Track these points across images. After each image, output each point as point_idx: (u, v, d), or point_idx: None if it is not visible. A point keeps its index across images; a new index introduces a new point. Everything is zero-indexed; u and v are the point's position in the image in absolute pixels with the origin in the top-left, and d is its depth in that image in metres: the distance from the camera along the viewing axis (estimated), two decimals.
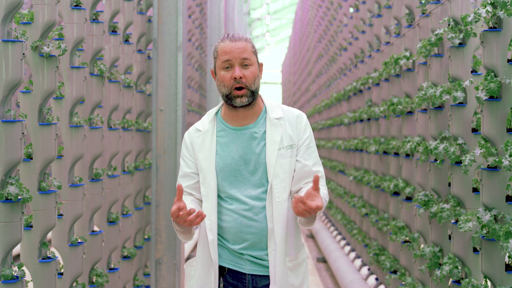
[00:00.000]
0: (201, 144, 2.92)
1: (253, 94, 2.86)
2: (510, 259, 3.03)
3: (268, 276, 2.87)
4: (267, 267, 2.87)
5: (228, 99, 2.87)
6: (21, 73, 3.10)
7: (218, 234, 2.90)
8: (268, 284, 2.87)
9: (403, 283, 4.81)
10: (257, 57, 2.92)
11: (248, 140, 2.89)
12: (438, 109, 3.94)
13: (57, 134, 3.63)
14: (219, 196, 2.90)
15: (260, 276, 2.88)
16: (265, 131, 2.90)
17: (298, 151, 2.91)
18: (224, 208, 2.89)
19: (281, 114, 2.93)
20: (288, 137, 2.89)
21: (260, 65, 2.94)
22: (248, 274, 2.87)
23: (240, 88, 2.84)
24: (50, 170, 4.07)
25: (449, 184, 3.84)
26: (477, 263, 3.48)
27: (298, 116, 2.95)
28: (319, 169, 2.92)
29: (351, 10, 8.27)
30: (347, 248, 7.91)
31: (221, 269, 2.89)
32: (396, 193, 5.24)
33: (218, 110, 3.00)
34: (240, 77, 2.82)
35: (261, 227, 2.86)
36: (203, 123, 2.97)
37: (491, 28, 3.11)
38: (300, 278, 2.92)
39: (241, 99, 2.84)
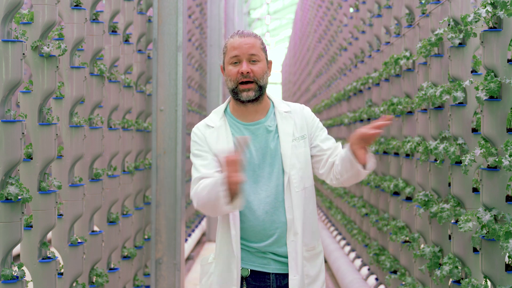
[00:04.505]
0: (217, 140, 2.90)
1: (261, 89, 2.88)
2: (510, 259, 3.03)
3: None
4: None
5: (235, 94, 2.88)
6: (21, 73, 3.10)
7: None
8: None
9: (403, 283, 4.81)
10: (266, 54, 2.93)
11: (264, 134, 2.91)
12: (438, 109, 3.94)
13: (57, 134, 3.63)
14: None
15: (283, 274, 2.87)
16: (276, 124, 2.93)
17: (315, 137, 2.97)
18: (245, 206, 2.85)
19: (288, 108, 2.98)
20: (299, 129, 2.94)
21: (269, 63, 2.96)
22: (272, 274, 2.86)
23: (247, 82, 2.84)
24: (50, 170, 4.07)
25: (449, 184, 3.84)
26: (477, 263, 3.48)
27: (303, 108, 3.02)
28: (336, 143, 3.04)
29: (351, 10, 8.27)
30: (347, 248, 7.91)
31: (245, 271, 2.87)
32: (396, 193, 5.24)
33: (226, 107, 2.99)
34: (248, 72, 2.83)
35: (283, 220, 2.85)
36: (213, 120, 2.95)
37: (491, 28, 3.11)
38: (317, 269, 2.92)
39: (248, 93, 2.86)
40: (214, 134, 2.91)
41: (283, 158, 2.86)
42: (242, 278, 2.87)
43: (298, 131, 2.93)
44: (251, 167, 2.87)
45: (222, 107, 2.99)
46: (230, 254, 2.85)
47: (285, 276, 2.87)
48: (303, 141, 2.93)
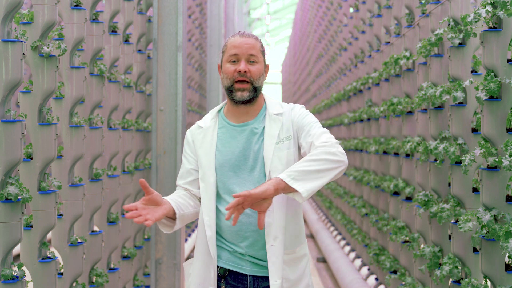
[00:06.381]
0: (202, 141, 2.94)
1: (256, 91, 2.88)
2: (510, 259, 3.03)
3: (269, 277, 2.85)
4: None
5: (229, 92, 2.89)
6: (21, 73, 3.10)
7: (217, 233, 2.88)
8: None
9: (403, 283, 4.81)
10: (264, 58, 2.94)
11: (248, 136, 2.90)
12: (438, 109, 3.94)
13: (57, 134, 3.63)
14: (218, 194, 2.89)
15: (261, 277, 2.85)
16: (264, 127, 2.91)
17: (300, 136, 2.88)
18: (223, 206, 2.86)
19: (281, 110, 2.95)
20: (285, 130, 2.90)
21: (266, 67, 2.97)
22: (249, 276, 2.85)
23: (243, 82, 2.85)
24: (50, 170, 4.07)
25: (449, 184, 3.84)
26: (477, 263, 3.48)
27: (292, 108, 2.96)
28: (323, 133, 2.82)
29: (351, 10, 8.27)
30: (347, 248, 7.91)
31: (223, 270, 2.87)
32: (396, 193, 5.24)
33: (221, 107, 3.02)
34: (245, 72, 2.85)
35: None
36: (205, 120, 3.00)
37: (491, 28, 3.11)
38: (298, 274, 2.86)
39: (242, 93, 2.86)
40: (201, 135, 2.96)
41: (265, 160, 2.83)
42: (221, 276, 2.87)
43: (284, 132, 2.89)
44: (231, 168, 2.86)
45: (218, 107, 3.02)
46: (206, 256, 2.85)
47: (264, 278, 2.84)
48: (288, 142, 2.88)
